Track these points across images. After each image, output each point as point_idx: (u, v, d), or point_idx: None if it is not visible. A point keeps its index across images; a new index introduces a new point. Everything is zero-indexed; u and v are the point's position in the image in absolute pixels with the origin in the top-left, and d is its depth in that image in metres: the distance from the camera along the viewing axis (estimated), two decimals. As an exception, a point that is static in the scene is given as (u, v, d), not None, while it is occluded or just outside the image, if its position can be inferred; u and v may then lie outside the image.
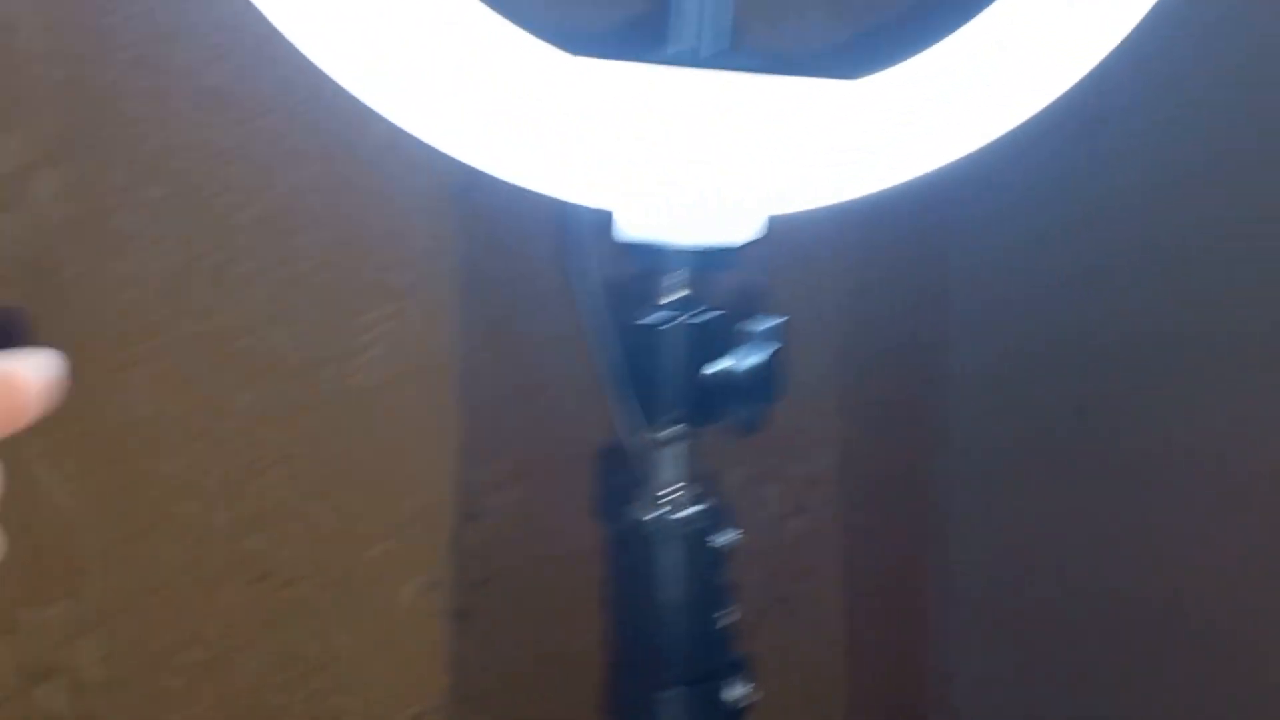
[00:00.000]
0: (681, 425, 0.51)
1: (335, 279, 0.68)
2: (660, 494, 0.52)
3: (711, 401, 0.50)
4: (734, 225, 0.48)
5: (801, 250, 0.81)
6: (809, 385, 0.85)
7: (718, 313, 0.50)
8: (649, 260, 0.49)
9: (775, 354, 0.50)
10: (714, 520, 0.52)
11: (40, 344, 0.64)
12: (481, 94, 0.43)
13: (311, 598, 0.70)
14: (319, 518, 0.70)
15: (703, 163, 0.45)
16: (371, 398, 0.69)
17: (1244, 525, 0.70)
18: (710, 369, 0.50)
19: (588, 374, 0.78)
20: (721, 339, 0.50)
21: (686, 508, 0.52)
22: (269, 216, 0.67)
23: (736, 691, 0.53)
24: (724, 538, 0.52)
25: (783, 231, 0.50)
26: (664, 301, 0.51)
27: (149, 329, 0.66)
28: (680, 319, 0.50)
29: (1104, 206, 0.75)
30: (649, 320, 0.50)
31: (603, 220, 0.48)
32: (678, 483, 0.52)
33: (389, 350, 0.69)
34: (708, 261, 0.49)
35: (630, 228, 0.47)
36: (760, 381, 0.49)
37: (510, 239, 0.72)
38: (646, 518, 0.51)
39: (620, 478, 0.53)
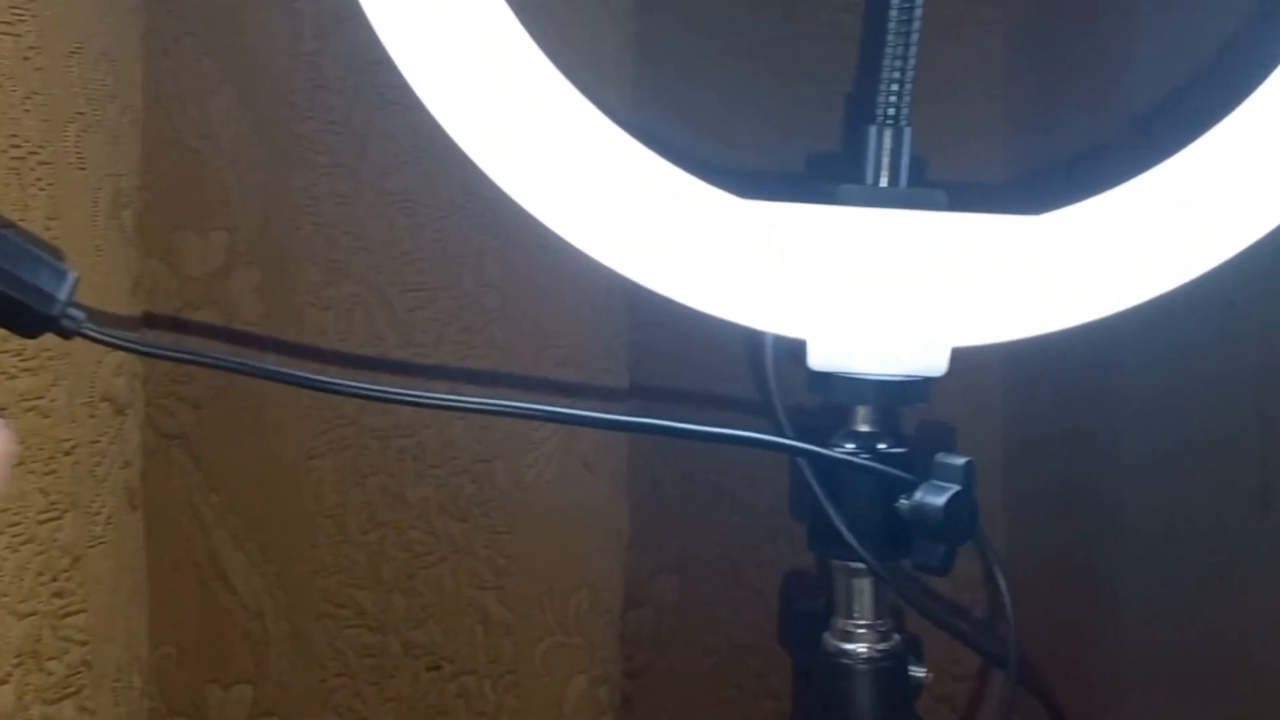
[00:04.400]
0: (870, 558, 0.50)
1: (511, 375, 0.70)
2: (853, 625, 0.51)
3: (900, 537, 0.49)
4: (923, 357, 0.48)
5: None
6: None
7: (902, 450, 0.50)
8: (839, 390, 0.49)
9: (967, 494, 0.49)
10: (908, 654, 0.51)
11: (240, 432, 0.67)
12: (653, 231, 0.45)
13: (482, 689, 0.71)
14: (490, 609, 0.71)
15: (889, 297, 0.45)
16: (543, 492, 0.70)
17: None
18: (904, 504, 0.49)
19: (755, 469, 0.78)
20: (909, 474, 0.49)
21: (881, 641, 0.51)
22: (449, 314, 0.69)
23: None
24: (919, 673, 0.51)
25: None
26: (854, 432, 0.50)
27: (337, 420, 0.69)
28: (870, 451, 0.49)
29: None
30: (838, 450, 0.50)
31: (794, 348, 0.48)
32: (866, 615, 0.51)
33: (561, 445, 0.70)
34: (897, 394, 0.49)
35: (822, 358, 0.48)
36: (952, 521, 0.48)
37: (681, 349, 0.73)
38: (842, 648, 0.51)
39: (808, 606, 0.53)
